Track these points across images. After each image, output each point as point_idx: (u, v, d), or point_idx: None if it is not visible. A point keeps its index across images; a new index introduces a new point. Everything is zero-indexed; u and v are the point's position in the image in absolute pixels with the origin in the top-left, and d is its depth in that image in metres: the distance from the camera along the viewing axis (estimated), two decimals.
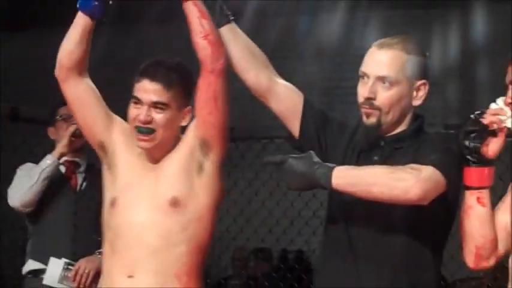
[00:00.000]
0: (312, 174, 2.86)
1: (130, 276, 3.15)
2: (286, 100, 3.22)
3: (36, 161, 4.81)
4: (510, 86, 2.82)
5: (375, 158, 3.07)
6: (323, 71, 9.88)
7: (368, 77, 3.02)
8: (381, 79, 2.99)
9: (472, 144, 2.85)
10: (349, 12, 9.74)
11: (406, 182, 2.93)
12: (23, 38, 10.10)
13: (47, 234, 4.86)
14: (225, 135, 3.24)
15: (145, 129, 3.18)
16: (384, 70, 3.01)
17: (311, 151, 2.94)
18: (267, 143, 6.01)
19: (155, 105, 3.18)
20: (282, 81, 3.18)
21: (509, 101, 2.81)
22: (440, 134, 3.39)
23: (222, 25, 3.22)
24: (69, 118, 4.84)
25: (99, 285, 3.88)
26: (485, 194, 2.83)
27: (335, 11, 9.45)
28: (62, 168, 4.95)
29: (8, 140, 6.48)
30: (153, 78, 3.19)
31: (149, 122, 3.17)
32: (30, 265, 4.85)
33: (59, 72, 3.27)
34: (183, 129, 3.28)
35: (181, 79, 3.22)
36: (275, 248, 7.76)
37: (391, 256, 3.06)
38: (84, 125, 3.36)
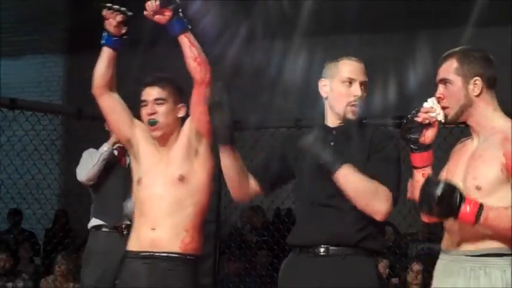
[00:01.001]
0: (322, 151, 2.87)
1: (152, 229, 3.40)
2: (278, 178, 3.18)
3: (97, 147, 5.01)
4: (439, 85, 2.82)
5: (331, 143, 3.02)
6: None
7: (355, 81, 3.03)
8: (363, 83, 3.04)
9: (412, 137, 2.83)
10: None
11: (380, 206, 2.92)
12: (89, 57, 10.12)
13: (104, 200, 5.01)
14: (210, 127, 3.34)
15: (153, 121, 3.45)
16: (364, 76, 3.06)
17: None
18: (274, 132, 5.88)
19: (156, 101, 3.46)
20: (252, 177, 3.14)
21: (438, 95, 2.80)
22: (384, 132, 3.19)
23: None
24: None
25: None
26: (427, 170, 2.82)
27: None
28: (115, 152, 5.10)
29: (76, 132, 6.58)
30: (152, 84, 3.50)
31: (154, 113, 3.45)
32: (93, 222, 5.03)
33: (94, 90, 3.55)
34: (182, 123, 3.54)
35: (171, 84, 3.51)
36: (271, 207, 7.72)
37: (343, 213, 2.95)
38: (114, 127, 3.66)
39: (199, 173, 3.48)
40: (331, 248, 2.94)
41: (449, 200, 2.55)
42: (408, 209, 7.74)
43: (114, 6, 3.41)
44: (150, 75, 3.58)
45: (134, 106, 3.58)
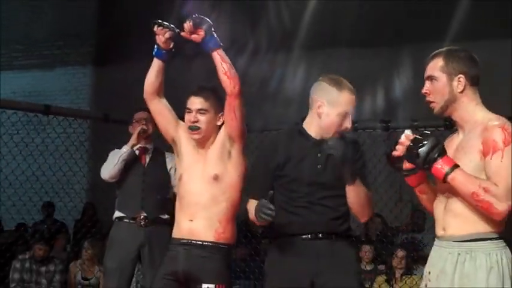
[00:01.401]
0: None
1: (190, 220, 3.48)
2: None
3: (121, 148, 5.01)
4: (426, 81, 2.80)
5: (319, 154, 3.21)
6: None
7: (348, 114, 3.17)
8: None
9: (397, 166, 2.86)
10: None
11: (368, 212, 3.30)
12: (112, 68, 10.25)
13: (125, 195, 5.03)
14: (242, 133, 3.51)
15: (194, 127, 3.52)
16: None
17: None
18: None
19: (199, 111, 3.53)
20: None
21: (424, 91, 2.80)
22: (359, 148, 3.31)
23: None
24: (139, 120, 5.10)
25: None
26: (423, 187, 2.87)
27: None
28: (137, 152, 5.11)
29: (102, 134, 6.54)
30: (196, 94, 3.57)
31: (196, 122, 3.52)
32: (116, 214, 5.04)
33: (146, 95, 3.61)
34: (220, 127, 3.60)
35: (214, 95, 3.56)
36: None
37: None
38: (162, 127, 3.68)
39: (232, 173, 3.51)
40: (325, 234, 3.17)
41: (429, 153, 2.57)
42: (394, 203, 7.91)
43: (164, 23, 3.43)
44: (197, 85, 3.63)
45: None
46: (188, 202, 3.52)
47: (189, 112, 3.55)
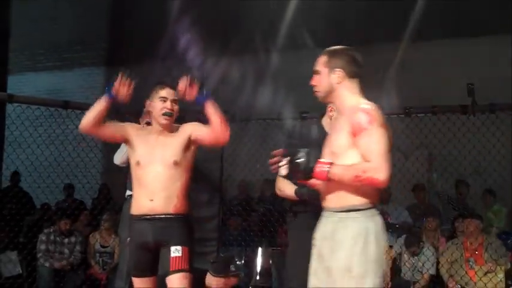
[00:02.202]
0: None
1: (151, 200, 3.46)
2: None
3: None
4: (314, 74, 2.87)
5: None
6: None
7: None
8: None
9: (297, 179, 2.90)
10: None
11: None
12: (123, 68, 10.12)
13: None
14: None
15: (169, 113, 3.51)
16: None
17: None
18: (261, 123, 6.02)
19: (174, 100, 3.54)
20: None
21: (312, 82, 2.88)
22: None
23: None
24: (147, 113, 5.11)
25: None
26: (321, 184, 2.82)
27: None
28: None
29: None
30: (171, 86, 3.55)
31: (172, 109, 3.53)
32: (128, 192, 4.92)
33: (86, 130, 3.53)
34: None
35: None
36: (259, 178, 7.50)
37: None
38: (118, 139, 3.68)
39: (188, 159, 3.52)
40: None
41: (306, 166, 2.66)
42: None
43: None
44: (166, 79, 3.61)
45: None
46: (147, 184, 3.47)
47: (164, 100, 3.51)
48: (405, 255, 6.16)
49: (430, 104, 5.87)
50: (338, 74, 2.81)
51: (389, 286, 6.16)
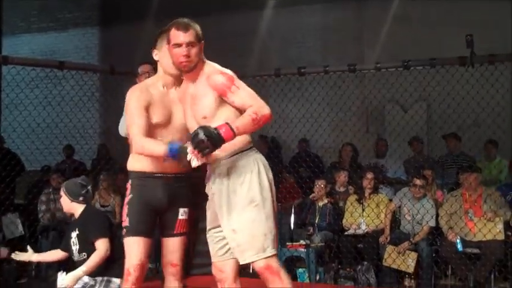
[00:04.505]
0: None
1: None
2: None
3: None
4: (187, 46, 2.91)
5: None
6: None
7: None
8: None
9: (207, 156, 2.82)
10: None
11: None
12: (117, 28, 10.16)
13: None
14: None
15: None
16: None
17: None
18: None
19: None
20: None
21: (187, 54, 2.91)
22: None
23: None
24: (143, 74, 4.85)
25: None
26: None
27: None
28: None
29: (110, 85, 6.65)
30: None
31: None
32: None
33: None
34: None
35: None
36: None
37: None
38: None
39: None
40: None
41: (211, 136, 2.69)
42: (362, 134, 7.94)
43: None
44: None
45: None
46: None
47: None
48: (404, 208, 6.20)
49: (429, 57, 5.85)
50: (201, 46, 2.94)
51: (388, 239, 6.32)
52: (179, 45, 2.89)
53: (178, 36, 2.88)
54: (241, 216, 2.87)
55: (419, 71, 6.05)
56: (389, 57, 6.89)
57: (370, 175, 6.51)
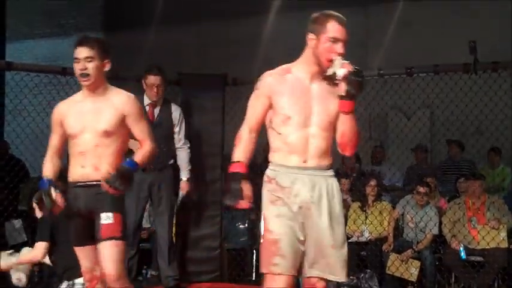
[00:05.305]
0: None
1: (82, 167, 3.50)
2: None
3: None
4: (342, 44, 3.06)
5: None
6: None
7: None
8: None
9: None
10: None
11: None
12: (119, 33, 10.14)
13: None
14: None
15: (84, 73, 3.60)
16: None
17: None
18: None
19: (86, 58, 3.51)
20: None
21: (342, 52, 3.10)
22: None
23: None
24: (151, 86, 5.27)
25: None
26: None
27: None
28: (147, 107, 5.29)
29: None
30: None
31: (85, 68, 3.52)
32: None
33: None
34: None
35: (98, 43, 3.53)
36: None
37: None
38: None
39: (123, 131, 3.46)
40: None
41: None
42: (365, 140, 7.91)
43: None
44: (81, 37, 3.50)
45: None
46: (80, 152, 3.54)
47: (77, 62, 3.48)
48: (408, 216, 6.19)
49: (433, 63, 5.83)
50: None
51: (391, 247, 6.29)
52: None
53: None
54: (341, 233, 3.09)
55: (422, 78, 6.04)
56: (393, 63, 6.85)
57: (373, 182, 6.49)
